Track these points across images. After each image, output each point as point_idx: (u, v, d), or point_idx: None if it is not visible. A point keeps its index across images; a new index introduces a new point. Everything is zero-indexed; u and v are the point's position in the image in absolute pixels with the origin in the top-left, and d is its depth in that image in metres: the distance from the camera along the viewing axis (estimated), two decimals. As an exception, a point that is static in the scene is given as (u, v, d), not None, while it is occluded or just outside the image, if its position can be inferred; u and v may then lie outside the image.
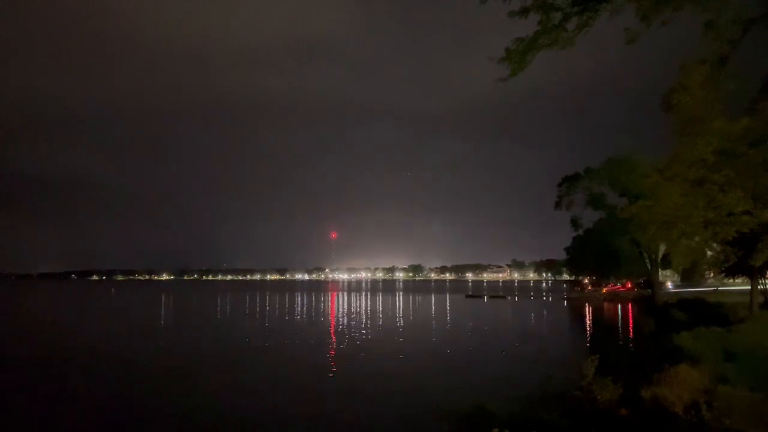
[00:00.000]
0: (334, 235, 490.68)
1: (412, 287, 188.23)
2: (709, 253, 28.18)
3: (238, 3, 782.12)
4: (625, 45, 8.75)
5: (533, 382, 18.81)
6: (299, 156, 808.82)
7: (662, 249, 50.10)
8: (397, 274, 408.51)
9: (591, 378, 13.39)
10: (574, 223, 66.80)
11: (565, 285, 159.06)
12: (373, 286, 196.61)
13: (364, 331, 39.49)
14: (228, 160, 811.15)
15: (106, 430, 15.28)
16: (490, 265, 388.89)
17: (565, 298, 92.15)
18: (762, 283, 39.25)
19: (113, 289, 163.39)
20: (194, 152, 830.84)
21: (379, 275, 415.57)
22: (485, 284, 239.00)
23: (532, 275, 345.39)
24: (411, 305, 78.00)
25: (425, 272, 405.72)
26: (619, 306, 67.49)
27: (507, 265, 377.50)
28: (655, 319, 43.85)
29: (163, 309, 71.19)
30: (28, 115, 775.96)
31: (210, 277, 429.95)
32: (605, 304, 71.45)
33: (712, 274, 44.97)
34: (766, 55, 10.40)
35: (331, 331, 40.44)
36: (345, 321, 49.49)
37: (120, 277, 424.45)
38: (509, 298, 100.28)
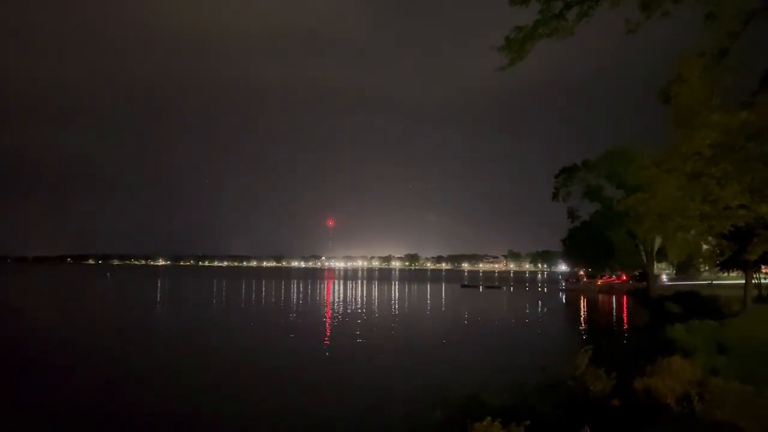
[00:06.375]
0: (330, 224, 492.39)
1: (408, 276, 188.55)
2: (704, 246, 28.27)
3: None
4: (626, 35, 8.71)
5: (527, 373, 18.89)
6: (298, 144, 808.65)
7: (658, 242, 50.27)
8: (393, 263, 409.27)
9: (584, 369, 13.43)
10: (571, 214, 66.96)
11: (560, 276, 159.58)
12: (369, 275, 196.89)
13: (359, 321, 39.57)
14: (227, 147, 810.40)
15: (95, 418, 15.34)
16: (486, 255, 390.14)
17: (560, 290, 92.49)
18: (756, 278, 39.41)
19: (108, 274, 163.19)
20: (192, 138, 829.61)
21: (376, 264, 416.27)
22: (481, 274, 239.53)
23: (527, 266, 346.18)
24: (407, 295, 78.16)
25: (421, 262, 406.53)
26: (614, 298, 67.76)
27: (503, 255, 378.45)
28: (649, 311, 44.13)
29: (160, 295, 71.19)
30: (26, 97, 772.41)
31: (206, 263, 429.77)
32: (600, 296, 71.72)
33: (707, 268, 45.07)
34: (766, 48, 10.34)
35: (326, 321, 40.52)
36: (340, 310, 49.55)
37: (116, 262, 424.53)
38: (505, 288, 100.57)
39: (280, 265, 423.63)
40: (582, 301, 65.33)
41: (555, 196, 65.81)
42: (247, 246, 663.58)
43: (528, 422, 9.05)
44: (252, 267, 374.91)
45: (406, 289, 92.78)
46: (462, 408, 12.72)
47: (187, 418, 15.03)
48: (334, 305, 55.15)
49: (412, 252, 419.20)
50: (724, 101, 11.46)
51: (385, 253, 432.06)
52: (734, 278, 55.12)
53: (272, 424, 14.69)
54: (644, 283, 63.07)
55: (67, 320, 39.00)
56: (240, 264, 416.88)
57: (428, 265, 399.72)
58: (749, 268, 32.68)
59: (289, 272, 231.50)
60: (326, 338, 30.43)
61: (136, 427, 14.35)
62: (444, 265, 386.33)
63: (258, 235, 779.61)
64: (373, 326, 36.09)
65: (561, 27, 8.49)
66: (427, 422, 13.40)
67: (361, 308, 50.66)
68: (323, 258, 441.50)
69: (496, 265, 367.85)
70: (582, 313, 51.44)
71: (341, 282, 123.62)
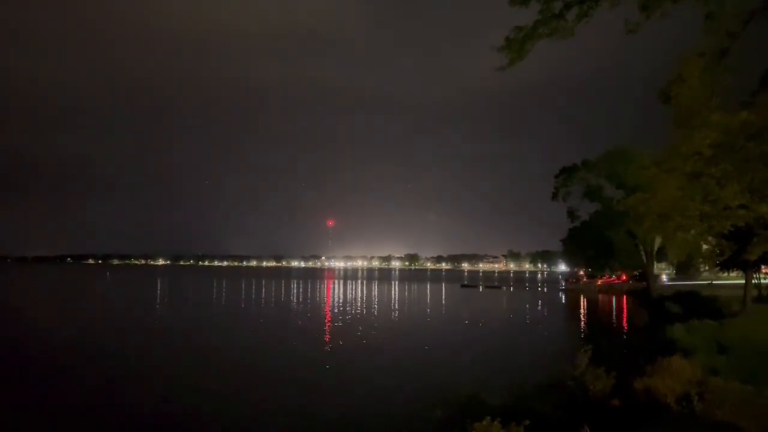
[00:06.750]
0: (330, 224, 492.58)
1: (408, 276, 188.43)
2: (704, 246, 28.23)
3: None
4: (626, 35, 8.72)
5: (527, 373, 18.91)
6: (298, 144, 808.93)
7: (658, 242, 50.22)
8: (393, 263, 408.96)
9: (584, 369, 13.43)
10: (571, 214, 66.82)
11: (560, 276, 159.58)
12: (369, 275, 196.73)
13: (359, 322, 39.57)
14: (227, 147, 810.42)
15: (95, 418, 15.35)
16: (486, 255, 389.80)
17: (560, 290, 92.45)
18: (756, 278, 39.34)
19: (108, 274, 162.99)
20: (192, 138, 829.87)
21: (375, 264, 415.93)
22: (481, 274, 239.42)
23: (527, 266, 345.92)
24: (407, 295, 78.12)
25: (421, 262, 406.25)
26: (614, 298, 67.74)
27: (503, 255, 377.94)
28: (649, 311, 44.10)
29: (160, 295, 71.14)
30: (26, 97, 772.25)
31: (206, 263, 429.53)
32: (600, 296, 71.70)
33: (707, 268, 45.07)
34: (766, 48, 10.34)
35: (326, 321, 40.50)
36: (340, 311, 49.54)
37: (116, 262, 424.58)
38: (504, 288, 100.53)
39: (280, 264, 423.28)
40: (582, 301, 65.31)
41: (555, 196, 65.71)
42: (248, 246, 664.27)
43: (528, 422, 9.05)
44: (252, 267, 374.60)
45: (406, 289, 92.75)
46: (462, 408, 12.72)
47: (187, 418, 15.04)
48: (334, 305, 55.14)
49: (412, 252, 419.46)
50: (724, 101, 11.47)
51: (385, 253, 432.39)
52: (734, 278, 55.09)
53: (272, 424, 14.70)
54: (644, 283, 63.01)
55: (66, 320, 38.99)
56: (240, 264, 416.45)
57: (428, 265, 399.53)
58: (749, 268, 32.65)
59: (289, 272, 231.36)
60: (326, 338, 30.42)
61: (136, 427, 14.35)
62: (444, 265, 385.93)
63: (258, 235, 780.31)
64: (373, 326, 36.08)
65: (561, 27, 8.50)
66: (427, 422, 13.40)
67: (361, 308, 50.64)
68: (323, 258, 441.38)
69: (496, 265, 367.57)
70: (582, 313, 51.41)
71: (341, 282, 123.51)
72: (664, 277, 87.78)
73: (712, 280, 62.16)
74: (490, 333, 34.51)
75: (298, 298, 65.29)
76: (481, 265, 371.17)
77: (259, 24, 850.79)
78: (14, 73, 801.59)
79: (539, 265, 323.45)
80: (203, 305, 54.36)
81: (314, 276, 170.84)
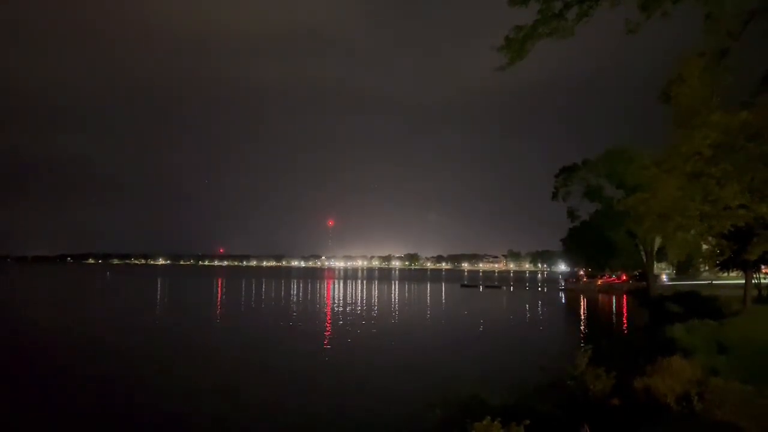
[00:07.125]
0: (330, 223, 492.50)
1: (408, 276, 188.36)
2: (704, 246, 28.23)
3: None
4: (626, 35, 8.71)
5: (527, 372, 18.90)
6: (298, 144, 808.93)
7: (658, 242, 50.15)
8: (393, 262, 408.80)
9: (584, 368, 13.41)
10: (571, 214, 66.74)
11: (560, 276, 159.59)
12: (369, 275, 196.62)
13: (359, 322, 39.56)
14: (227, 147, 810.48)
15: (96, 418, 15.34)
16: (486, 255, 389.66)
17: (560, 289, 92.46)
18: (756, 278, 39.32)
19: (108, 273, 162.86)
20: (192, 138, 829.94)
21: (375, 264, 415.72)
22: (481, 274, 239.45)
23: (527, 266, 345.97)
24: (407, 295, 78.10)
25: (421, 261, 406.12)
26: (614, 298, 67.79)
27: (503, 255, 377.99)
28: (649, 311, 44.06)
29: (160, 295, 71.11)
30: (26, 97, 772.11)
31: (206, 263, 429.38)
32: (600, 296, 71.74)
33: (707, 268, 45.06)
34: (766, 48, 10.33)
35: (326, 321, 40.51)
36: (340, 311, 49.53)
37: (116, 261, 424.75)
38: (504, 288, 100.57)
39: (280, 264, 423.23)
40: (582, 300, 65.34)
41: (555, 196, 65.61)
42: (248, 245, 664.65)
43: (528, 422, 9.03)
44: (252, 266, 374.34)
45: (406, 289, 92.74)
46: (462, 408, 12.70)
47: (187, 418, 15.04)
48: (334, 305, 55.14)
49: (412, 252, 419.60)
50: (724, 101, 11.45)
51: (385, 253, 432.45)
52: (734, 278, 55.08)
53: (272, 424, 14.70)
54: (644, 283, 62.97)
55: (66, 320, 38.98)
56: (240, 263, 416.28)
57: (428, 264, 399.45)
58: (749, 268, 32.66)
59: (289, 272, 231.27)
60: (326, 338, 30.42)
61: (136, 427, 14.35)
62: (444, 265, 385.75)
63: (258, 235, 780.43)
64: (373, 326, 36.09)
65: (561, 27, 8.48)
66: (427, 422, 13.39)
67: (361, 308, 50.64)
68: (323, 257, 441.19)
69: (496, 265, 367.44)
70: (582, 312, 51.43)
71: (341, 282, 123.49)
72: (664, 277, 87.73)
73: (712, 280, 62.16)
74: (490, 333, 34.49)
75: (298, 298, 65.27)
76: (481, 265, 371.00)
77: (259, 24, 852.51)
78: (14, 73, 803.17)
79: (539, 265, 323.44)
80: (203, 305, 54.34)
81: (314, 276, 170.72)
